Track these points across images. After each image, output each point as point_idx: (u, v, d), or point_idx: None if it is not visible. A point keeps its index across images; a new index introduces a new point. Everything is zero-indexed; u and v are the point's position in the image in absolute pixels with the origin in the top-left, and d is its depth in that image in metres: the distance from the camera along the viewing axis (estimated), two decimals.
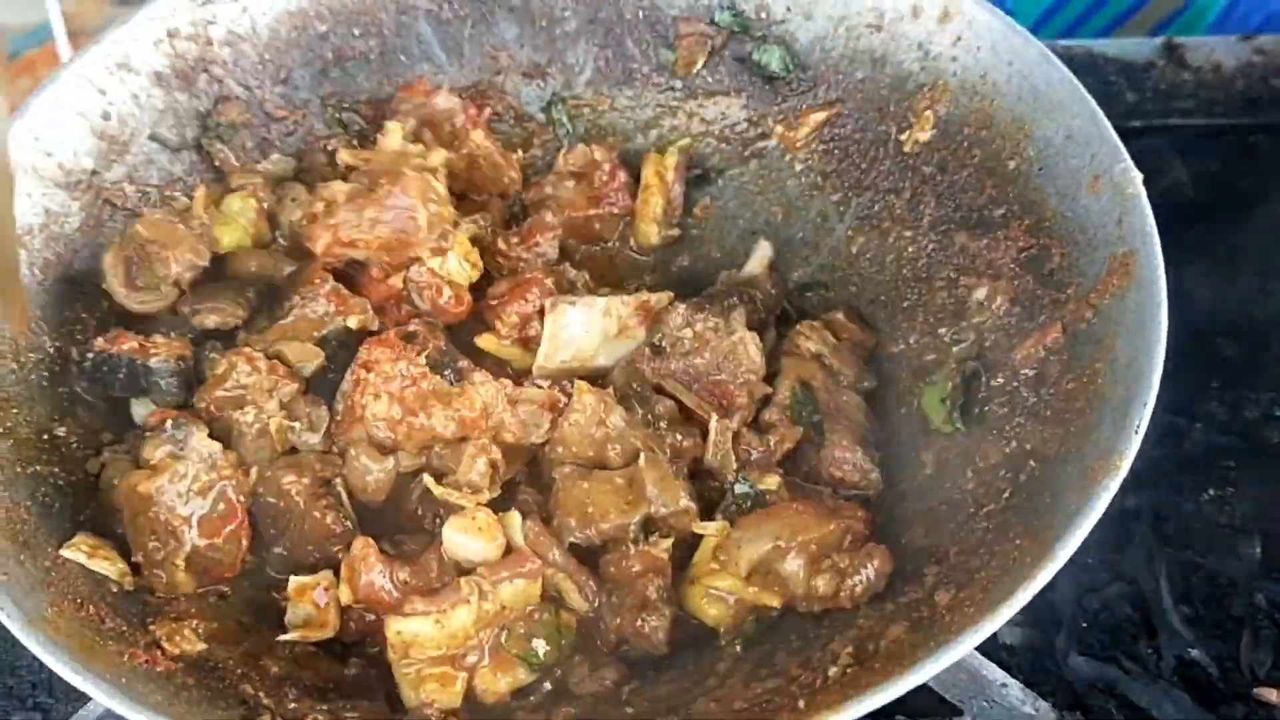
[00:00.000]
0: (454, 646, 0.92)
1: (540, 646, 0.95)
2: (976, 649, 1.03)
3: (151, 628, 0.92)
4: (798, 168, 1.32)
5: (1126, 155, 1.05)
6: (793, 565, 0.95)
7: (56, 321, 1.10)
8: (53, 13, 2.05)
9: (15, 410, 1.02)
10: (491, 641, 0.94)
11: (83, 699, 1.04)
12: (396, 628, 0.91)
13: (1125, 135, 1.08)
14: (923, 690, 1.03)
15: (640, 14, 1.35)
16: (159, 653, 0.88)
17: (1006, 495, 0.97)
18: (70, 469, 1.02)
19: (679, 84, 1.37)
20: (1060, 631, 1.10)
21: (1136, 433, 0.88)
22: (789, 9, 1.31)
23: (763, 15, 1.31)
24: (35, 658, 1.09)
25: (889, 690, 0.78)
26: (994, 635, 1.09)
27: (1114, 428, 0.90)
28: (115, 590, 0.94)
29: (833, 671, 0.87)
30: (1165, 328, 0.94)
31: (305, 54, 1.30)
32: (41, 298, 1.10)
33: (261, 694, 0.89)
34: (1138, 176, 1.04)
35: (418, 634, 0.91)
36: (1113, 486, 0.85)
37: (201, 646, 0.91)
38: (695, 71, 1.35)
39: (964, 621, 0.82)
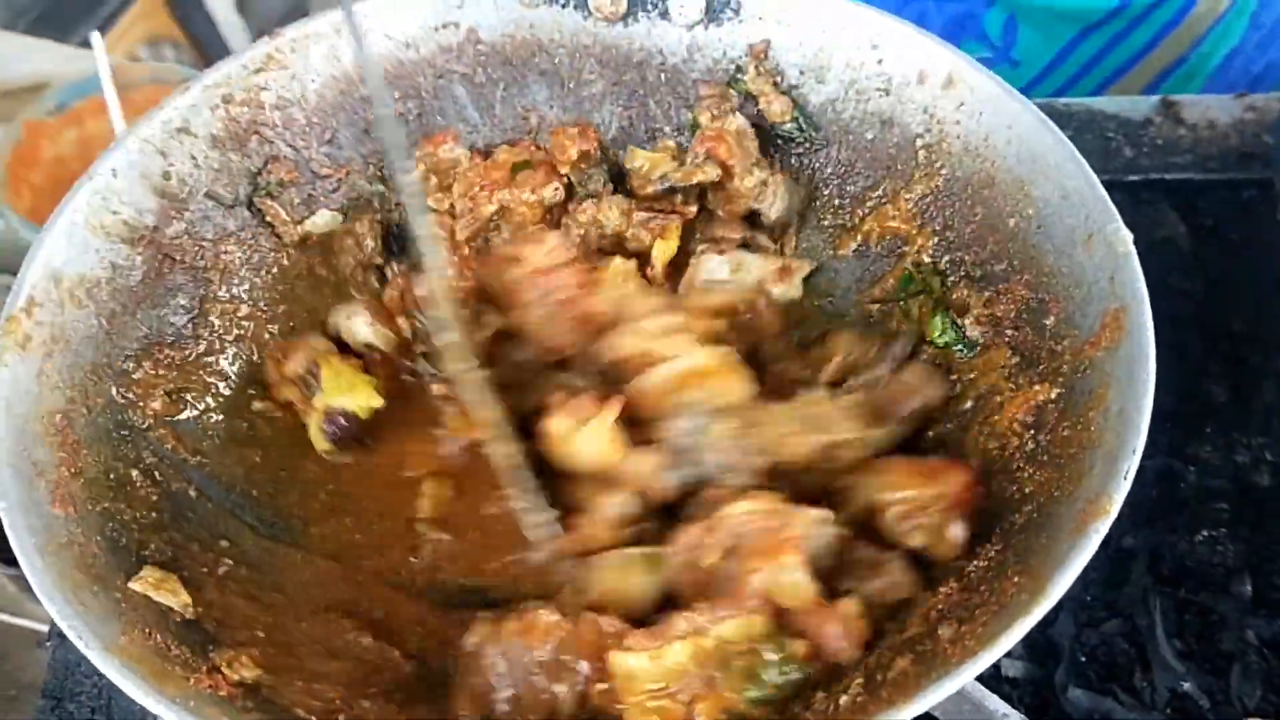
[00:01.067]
0: (673, 681, 0.93)
1: (766, 680, 0.96)
2: (980, 681, 1.11)
3: (212, 655, 0.99)
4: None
5: (1118, 215, 1.12)
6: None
7: (118, 371, 1.19)
8: (101, 65, 2.14)
9: (85, 452, 1.10)
10: (710, 675, 0.94)
11: None
12: (616, 661, 0.94)
13: (1124, 189, 1.15)
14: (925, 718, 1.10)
15: (663, 77, 1.44)
16: (220, 678, 0.96)
17: (1006, 533, 1.04)
18: (135, 505, 1.10)
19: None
20: (1060, 665, 1.17)
21: (1125, 479, 0.95)
22: (802, 73, 1.39)
23: (777, 80, 1.40)
24: (95, 685, 1.20)
25: (895, 716, 0.85)
26: (997, 668, 1.18)
27: (1105, 474, 0.97)
28: (179, 620, 1.02)
29: (844, 700, 0.94)
30: (1153, 380, 1.00)
31: (350, 116, 1.39)
32: (107, 347, 1.18)
33: (314, 717, 0.96)
34: (1128, 236, 1.11)
35: (634, 670, 0.93)
36: (1103, 529, 0.92)
37: (258, 673, 0.99)
38: None
39: (964, 654, 0.88)
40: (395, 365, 1.32)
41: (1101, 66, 1.91)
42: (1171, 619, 1.20)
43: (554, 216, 1.38)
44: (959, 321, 1.25)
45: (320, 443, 1.23)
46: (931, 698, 0.85)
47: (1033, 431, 1.11)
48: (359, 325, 1.31)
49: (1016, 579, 0.95)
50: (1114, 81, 1.92)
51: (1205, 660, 1.17)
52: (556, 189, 1.36)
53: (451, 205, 1.38)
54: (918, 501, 1.07)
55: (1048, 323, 1.16)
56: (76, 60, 2.43)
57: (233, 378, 1.29)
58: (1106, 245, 1.12)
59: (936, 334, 1.26)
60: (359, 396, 1.24)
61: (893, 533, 1.08)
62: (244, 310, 1.32)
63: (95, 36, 2.10)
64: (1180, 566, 1.25)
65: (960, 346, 1.24)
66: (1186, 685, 1.14)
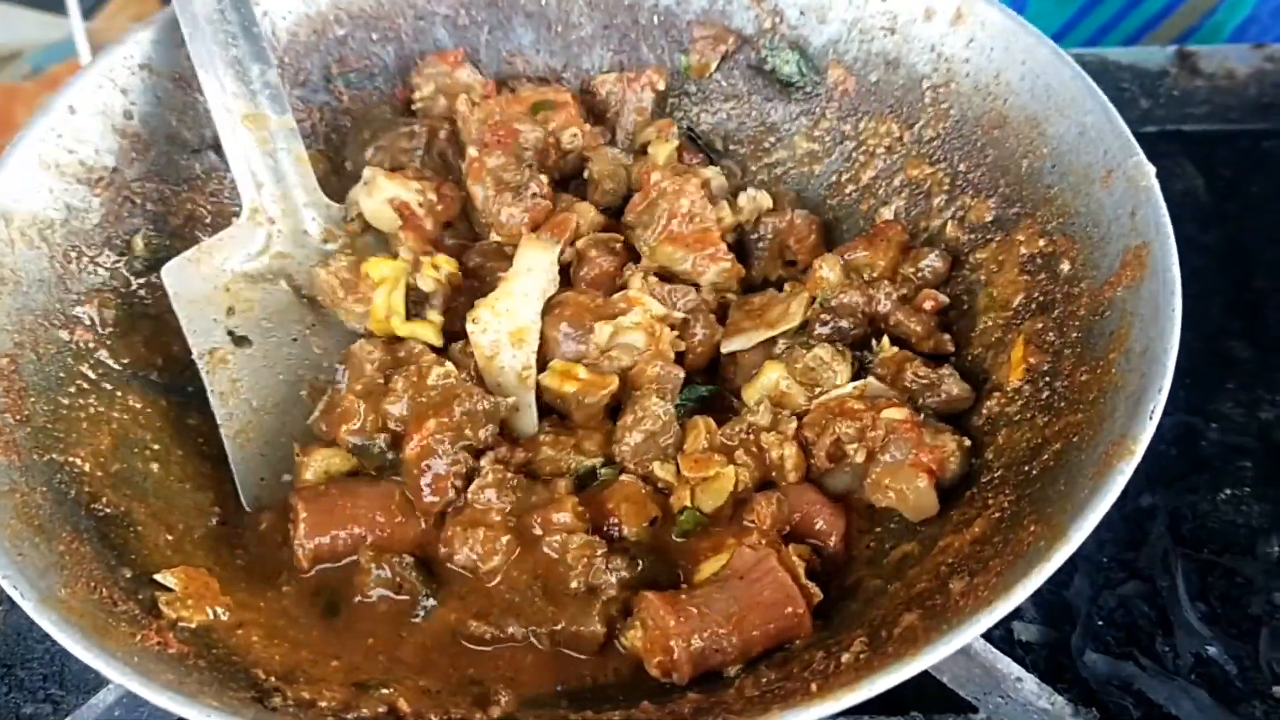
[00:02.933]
0: None
1: None
2: (991, 644, 1.04)
3: (164, 608, 0.92)
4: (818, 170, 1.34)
5: (1139, 149, 1.06)
6: None
7: (73, 316, 1.11)
8: (76, 27, 2.08)
9: (33, 399, 1.02)
10: None
11: (92, 690, 1.04)
12: None
13: (1140, 141, 1.08)
14: (937, 687, 1.03)
15: (655, 19, 1.37)
16: (170, 635, 0.88)
17: (1021, 484, 0.97)
18: (85, 457, 1.03)
19: (694, 88, 1.38)
20: (1076, 629, 1.09)
21: (1151, 418, 0.88)
22: (803, 13, 1.32)
23: (777, 20, 1.33)
24: (46, 651, 1.12)
25: (902, 670, 0.77)
26: (1010, 632, 1.11)
27: (1128, 415, 0.90)
28: (129, 575, 0.95)
29: (846, 658, 0.87)
30: (1180, 314, 0.94)
31: (324, 57, 1.32)
32: (60, 291, 1.11)
33: (273, 678, 0.89)
34: (1150, 169, 1.04)
35: None
36: (1127, 470, 0.85)
37: (203, 617, 0.92)
38: (709, 75, 1.36)
39: (977, 605, 0.81)
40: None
41: (1114, 34, 1.84)
42: (1194, 581, 1.13)
43: (567, 161, 1.31)
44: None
45: None
46: (941, 650, 0.78)
47: (1048, 379, 1.04)
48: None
49: (1033, 528, 0.88)
50: (1134, 43, 1.85)
51: (1231, 624, 1.10)
52: (575, 134, 1.29)
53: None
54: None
55: (1063, 268, 1.09)
56: (51, 28, 2.37)
57: None
58: (1127, 180, 1.05)
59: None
60: None
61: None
62: None
63: None
64: (1202, 527, 1.17)
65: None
66: (1212, 650, 1.07)
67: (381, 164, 1.26)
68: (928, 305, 1.16)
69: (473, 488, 1.02)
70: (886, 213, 1.27)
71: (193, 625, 0.92)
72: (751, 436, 1.08)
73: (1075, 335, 1.04)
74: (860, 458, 1.04)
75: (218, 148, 1.26)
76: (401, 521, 1.03)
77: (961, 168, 1.22)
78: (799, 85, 1.34)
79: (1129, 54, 1.58)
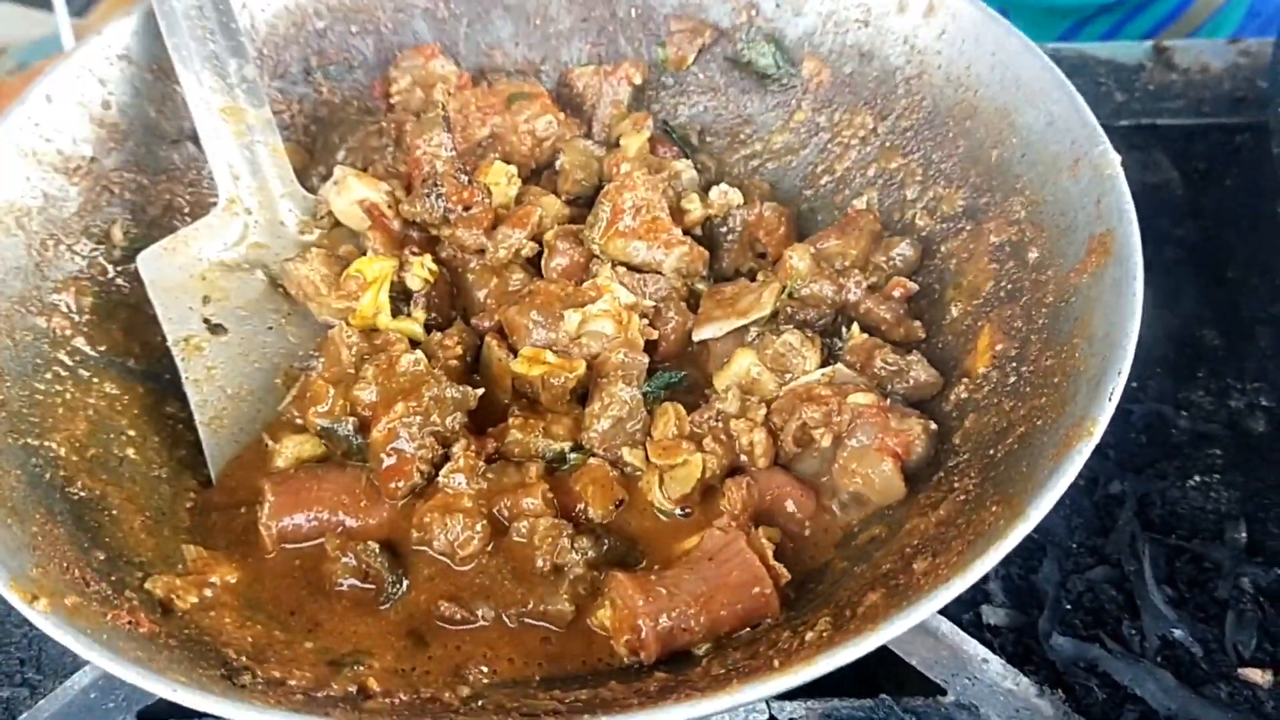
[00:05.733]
0: None
1: None
2: (960, 627, 1.05)
3: (131, 593, 0.93)
4: (793, 161, 1.35)
5: (1105, 138, 1.07)
6: None
7: (50, 303, 1.12)
8: (61, 23, 2.08)
9: (8, 384, 1.03)
10: None
11: (68, 674, 1.05)
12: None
13: (1115, 134, 1.09)
14: (907, 669, 1.04)
15: (633, 12, 1.38)
16: (142, 615, 0.89)
17: (986, 467, 0.98)
18: (61, 442, 1.04)
19: (671, 81, 1.39)
20: (1043, 612, 1.10)
21: (1111, 399, 0.89)
22: (778, 5, 1.33)
23: (753, 13, 1.34)
24: (24, 635, 1.13)
25: (859, 646, 0.78)
26: (978, 616, 1.12)
27: (1089, 397, 0.91)
28: (102, 558, 0.95)
29: (810, 636, 0.88)
30: (1140, 299, 0.95)
31: (303, 49, 1.33)
32: (37, 279, 1.12)
33: (244, 657, 0.90)
34: (1116, 158, 1.05)
35: None
36: (1085, 450, 0.86)
37: (194, 600, 0.93)
38: (687, 68, 1.37)
39: (936, 582, 0.82)
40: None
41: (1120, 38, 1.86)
42: (1162, 566, 1.14)
43: (542, 150, 1.31)
44: None
45: None
46: (898, 626, 0.79)
47: (1015, 364, 1.05)
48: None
49: (995, 508, 0.89)
50: None
51: (1198, 608, 1.11)
52: (550, 122, 1.30)
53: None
54: None
55: (1031, 256, 1.10)
56: (40, 24, 2.38)
57: None
58: (1093, 169, 1.07)
59: None
60: None
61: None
62: None
63: None
64: (1171, 513, 1.18)
65: None
66: (1178, 633, 1.08)
67: (354, 164, 1.28)
68: (897, 293, 1.17)
69: (444, 471, 1.03)
70: (860, 204, 1.28)
71: (186, 605, 0.93)
72: (720, 423, 1.09)
73: (1042, 321, 1.05)
74: (827, 442, 1.05)
75: (196, 139, 1.26)
76: (367, 506, 1.04)
77: (934, 158, 1.24)
78: (775, 77, 1.35)
79: (1106, 48, 1.59)
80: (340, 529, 1.03)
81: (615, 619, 0.96)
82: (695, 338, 1.18)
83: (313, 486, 1.04)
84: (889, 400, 1.08)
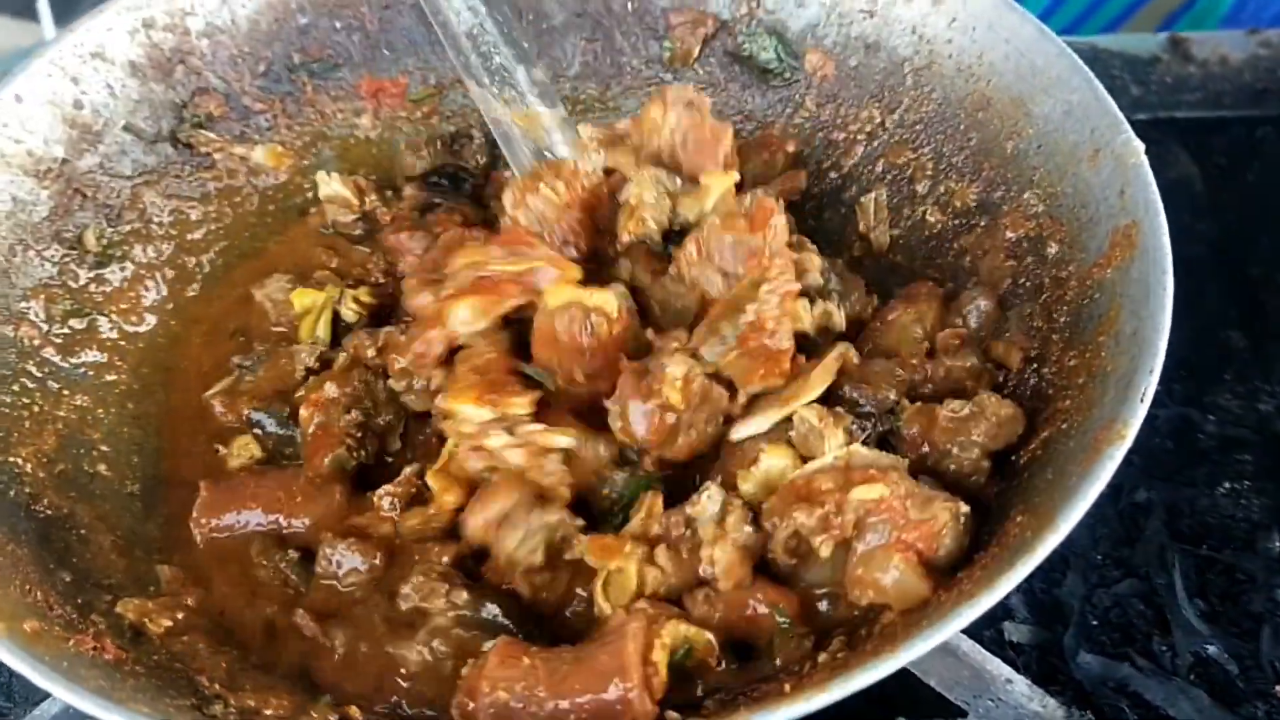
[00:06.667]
0: None
1: None
2: (981, 645, 0.99)
3: (118, 610, 0.87)
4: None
5: (1128, 126, 1.01)
6: None
7: (18, 312, 1.07)
8: (48, 33, 2.05)
9: None
10: None
11: (39, 700, 1.00)
12: None
13: (1131, 128, 1.04)
14: (925, 690, 0.98)
15: (629, 6, 1.33)
16: (107, 641, 0.84)
17: (1006, 475, 0.92)
18: (28, 457, 0.98)
19: (670, 77, 1.34)
20: (1069, 629, 1.04)
21: (1142, 401, 0.83)
22: None
23: (754, 4, 1.29)
24: None
25: (879, 668, 0.73)
26: (1000, 633, 1.06)
27: (1118, 399, 0.85)
28: (68, 579, 0.90)
29: (822, 658, 0.82)
30: (1171, 294, 0.89)
31: (285, 46, 1.28)
32: (4, 285, 1.06)
33: (217, 685, 0.84)
34: (1140, 146, 0.99)
35: None
36: (1117, 455, 0.80)
37: (168, 624, 0.88)
38: (693, 62, 1.32)
39: (959, 599, 0.76)
40: None
41: (1106, 8, 1.80)
42: (1192, 578, 1.08)
43: None
44: None
45: None
46: (919, 647, 0.73)
47: (1035, 365, 1.00)
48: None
49: (1020, 519, 0.83)
50: (1125, 20, 1.81)
51: (1231, 622, 1.05)
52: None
53: None
54: None
55: (1050, 251, 1.05)
56: (23, 34, 2.34)
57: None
58: (1115, 158, 1.01)
59: None
60: None
61: None
62: (165, 251, 1.20)
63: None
64: (1200, 522, 1.12)
65: None
66: (1211, 649, 1.02)
67: None
68: (955, 343, 1.03)
69: (380, 491, 0.99)
70: (868, 200, 1.22)
71: (160, 630, 0.88)
72: (688, 532, 0.92)
73: (1064, 320, 0.99)
74: (827, 551, 0.87)
75: (174, 140, 1.22)
76: (302, 502, 0.99)
77: (945, 151, 1.18)
78: (777, 72, 1.30)
79: (1119, 41, 1.54)
80: (274, 528, 0.98)
81: (468, 677, 0.84)
82: (734, 437, 0.97)
83: (249, 484, 1.01)
84: (920, 482, 0.90)
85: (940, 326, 1.05)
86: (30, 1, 2.38)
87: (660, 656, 0.81)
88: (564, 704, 0.79)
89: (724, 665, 0.86)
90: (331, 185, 1.24)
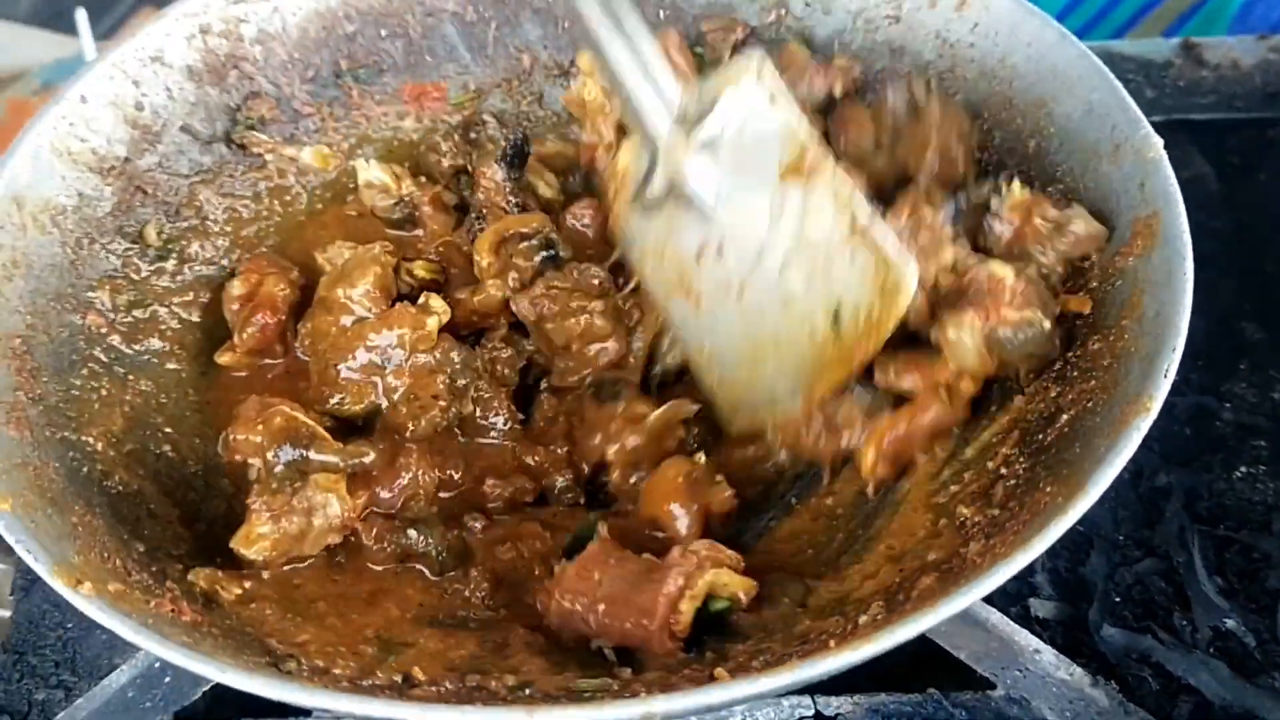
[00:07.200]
0: None
1: None
2: (1009, 618, 1.03)
3: (173, 583, 0.92)
4: None
5: (1146, 122, 1.06)
6: None
7: (85, 301, 1.12)
8: (85, 45, 2.09)
9: (46, 379, 1.03)
10: None
11: (104, 675, 1.04)
12: None
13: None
14: (955, 664, 1.02)
15: (661, 14, 1.37)
16: (184, 604, 0.88)
17: (1035, 452, 0.96)
18: (98, 436, 1.03)
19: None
20: (1093, 604, 1.08)
21: (1166, 377, 0.87)
22: (808, 4, 1.33)
23: (782, 11, 1.34)
24: (59, 638, 1.12)
25: (921, 621, 0.76)
26: (1026, 609, 1.10)
27: (1142, 376, 0.89)
28: (142, 549, 0.94)
29: (863, 620, 0.86)
30: (1191, 278, 0.93)
31: (333, 53, 1.33)
32: (72, 276, 1.11)
33: (288, 646, 0.88)
34: (1158, 141, 1.04)
35: None
36: (1143, 427, 0.84)
37: (238, 591, 0.93)
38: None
39: (994, 560, 0.80)
40: None
41: (1122, 5, 1.84)
42: (1211, 557, 1.12)
43: None
44: None
45: None
46: (959, 602, 0.77)
47: (1061, 349, 1.04)
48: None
49: (1049, 489, 0.88)
50: (1135, 23, 1.85)
51: (1249, 599, 1.09)
52: None
53: None
54: None
55: None
56: (61, 46, 2.39)
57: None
58: (1135, 153, 1.06)
59: None
60: None
61: None
62: (221, 246, 1.25)
63: (80, 11, 2.06)
64: (1218, 504, 1.16)
65: None
66: (1230, 623, 1.06)
67: None
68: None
69: None
70: None
71: (231, 597, 0.93)
72: None
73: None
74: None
75: (228, 140, 1.27)
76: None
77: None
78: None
79: (1133, 46, 1.59)
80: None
81: (548, 584, 0.96)
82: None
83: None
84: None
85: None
86: (68, 14, 2.43)
87: (687, 606, 0.91)
88: (608, 621, 0.92)
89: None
90: (371, 171, 1.29)
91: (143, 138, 1.21)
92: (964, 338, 1.00)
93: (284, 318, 1.17)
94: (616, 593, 0.92)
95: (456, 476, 1.09)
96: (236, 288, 1.17)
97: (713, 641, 0.92)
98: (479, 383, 1.12)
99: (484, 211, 1.24)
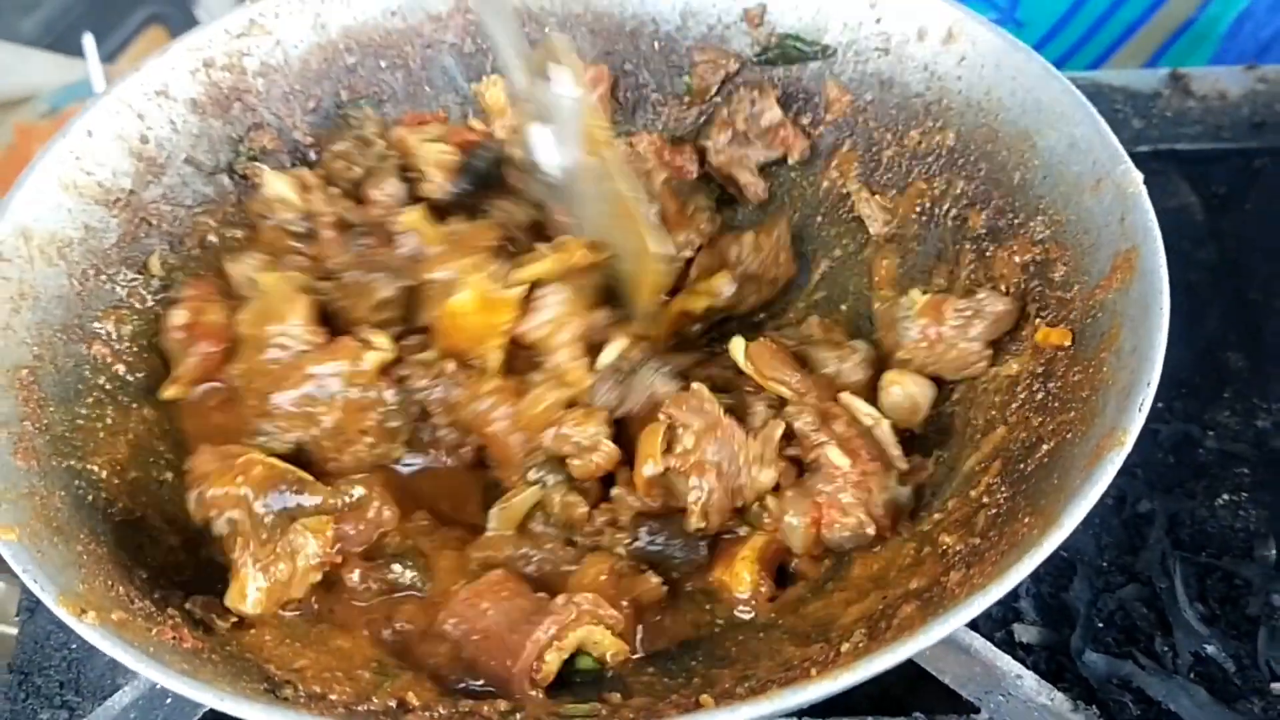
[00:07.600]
0: None
1: None
2: (993, 642, 1.05)
3: (174, 610, 0.94)
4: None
5: (1127, 157, 1.08)
6: None
7: (91, 331, 1.15)
8: (93, 69, 2.12)
9: (52, 409, 1.05)
10: None
11: (107, 696, 1.06)
12: None
13: (1132, 159, 1.10)
14: (939, 688, 1.04)
15: (655, 45, 1.40)
16: (185, 631, 0.90)
17: (1016, 481, 0.99)
18: (103, 465, 1.05)
19: (693, 113, 1.41)
20: (1075, 630, 1.11)
21: (1140, 410, 0.90)
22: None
23: (772, 42, 1.36)
24: (63, 659, 1.14)
25: (901, 649, 0.79)
26: (1010, 634, 1.12)
27: (1118, 409, 0.92)
28: (144, 576, 0.97)
29: (845, 648, 0.89)
30: (1167, 314, 0.96)
31: (334, 84, 1.36)
32: (79, 307, 1.14)
33: (285, 672, 0.91)
34: (1138, 176, 1.06)
35: None
36: (1117, 460, 0.87)
37: (233, 619, 0.95)
38: (710, 97, 1.40)
39: (972, 590, 0.83)
40: None
41: (1110, 25, 1.86)
42: (1193, 583, 1.14)
43: None
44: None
45: None
46: (937, 632, 0.80)
47: (1042, 380, 1.06)
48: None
49: (1027, 519, 0.90)
50: (1124, 42, 1.87)
51: (1230, 625, 1.11)
52: None
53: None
54: None
55: (1055, 275, 1.12)
56: (68, 70, 2.42)
57: None
58: (1116, 188, 1.08)
59: None
60: None
61: None
62: None
63: (88, 37, 2.09)
64: (1200, 531, 1.19)
65: None
66: (1210, 648, 1.08)
67: None
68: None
69: None
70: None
71: (226, 625, 0.95)
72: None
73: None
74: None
75: (231, 172, 1.30)
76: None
77: (955, 181, 1.25)
78: (792, 107, 1.37)
79: (1121, 76, 1.61)
80: None
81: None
82: None
83: None
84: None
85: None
86: (74, 36, 2.46)
87: (553, 657, 0.93)
88: (478, 656, 0.94)
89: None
90: (276, 185, 1.25)
91: (148, 170, 1.24)
92: (794, 524, 1.05)
93: (228, 345, 1.15)
94: (495, 627, 0.93)
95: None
96: (178, 316, 1.16)
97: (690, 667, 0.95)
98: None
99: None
